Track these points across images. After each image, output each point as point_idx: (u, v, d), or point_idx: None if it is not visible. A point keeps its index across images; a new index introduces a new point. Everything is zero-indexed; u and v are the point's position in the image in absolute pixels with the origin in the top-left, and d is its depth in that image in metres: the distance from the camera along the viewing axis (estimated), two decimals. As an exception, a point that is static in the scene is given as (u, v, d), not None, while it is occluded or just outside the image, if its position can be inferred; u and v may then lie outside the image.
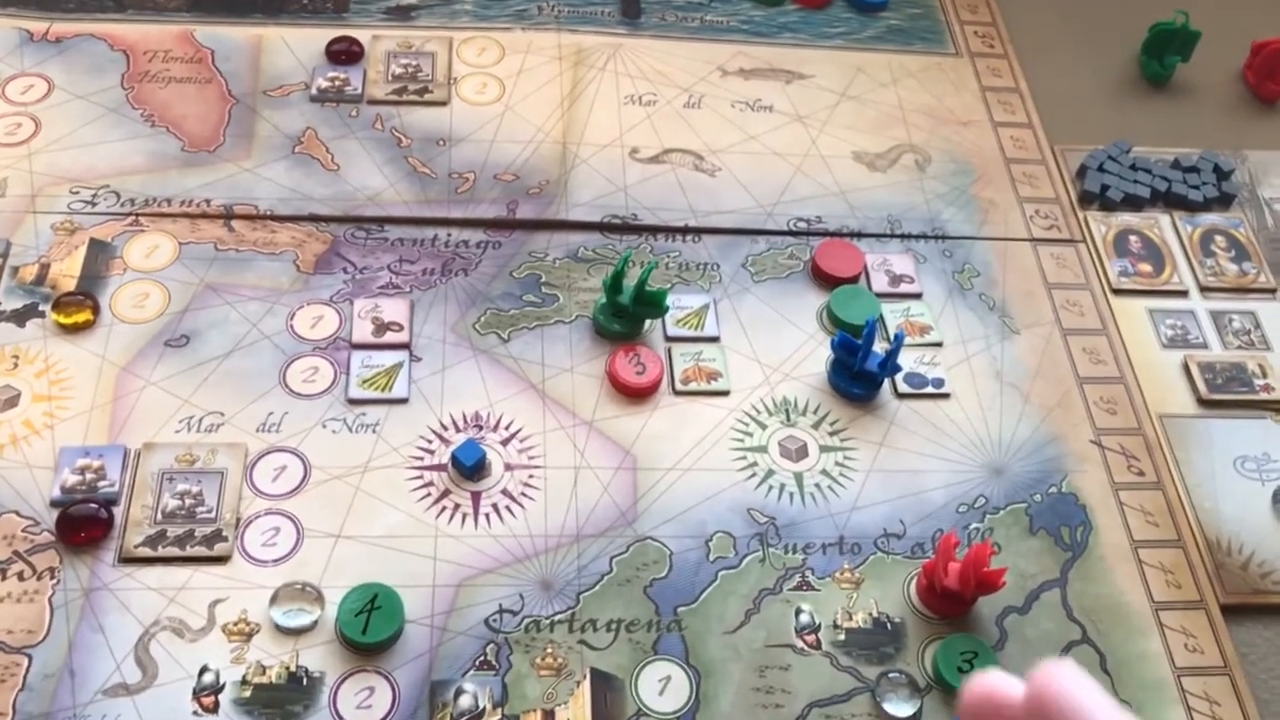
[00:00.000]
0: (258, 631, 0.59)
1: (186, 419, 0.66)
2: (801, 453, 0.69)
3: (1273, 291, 0.80)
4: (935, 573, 0.62)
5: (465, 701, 0.58)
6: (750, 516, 0.66)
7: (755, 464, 0.68)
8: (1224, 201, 0.84)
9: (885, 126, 0.86)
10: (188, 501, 0.63)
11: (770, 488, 0.67)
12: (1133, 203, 0.83)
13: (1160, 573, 0.66)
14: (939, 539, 0.65)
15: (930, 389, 0.72)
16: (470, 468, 0.65)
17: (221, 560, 0.61)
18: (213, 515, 0.63)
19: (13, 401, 0.66)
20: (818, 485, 0.68)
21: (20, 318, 0.69)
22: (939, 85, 0.89)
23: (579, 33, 0.88)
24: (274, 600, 0.60)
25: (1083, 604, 0.65)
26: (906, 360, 0.73)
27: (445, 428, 0.67)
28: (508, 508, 0.65)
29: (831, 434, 0.70)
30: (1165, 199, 0.84)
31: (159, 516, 0.62)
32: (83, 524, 0.61)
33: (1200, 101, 0.92)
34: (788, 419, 0.71)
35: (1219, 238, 0.82)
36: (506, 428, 0.68)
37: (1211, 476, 0.71)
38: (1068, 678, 0.39)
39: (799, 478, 0.68)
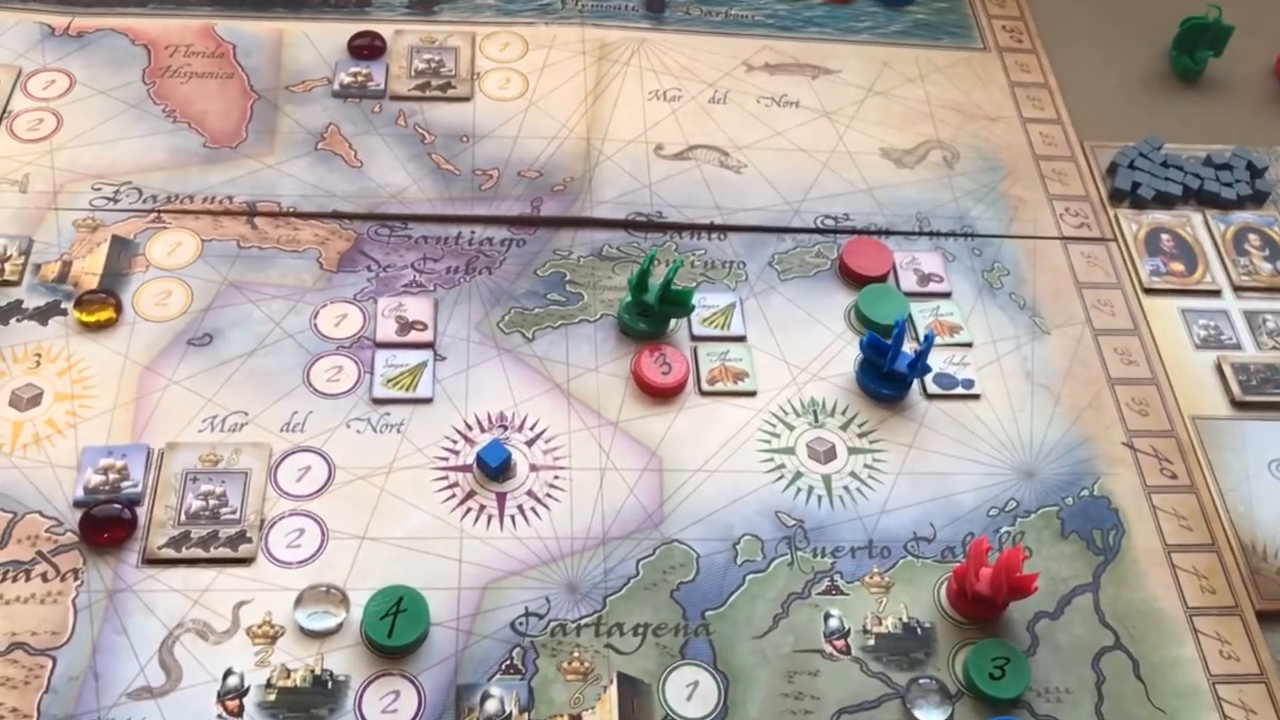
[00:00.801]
0: (282, 634, 0.59)
1: (210, 418, 0.65)
2: (830, 455, 0.68)
3: (1307, 291, 0.79)
4: (966, 577, 0.62)
5: (491, 706, 0.58)
6: (778, 519, 0.65)
7: (783, 466, 0.67)
8: (1257, 199, 0.83)
9: (913, 122, 0.85)
10: (211, 502, 0.62)
11: (798, 490, 0.67)
12: (1164, 200, 0.82)
13: (1194, 577, 0.66)
14: (970, 543, 0.64)
15: (960, 390, 0.72)
16: (495, 469, 0.64)
17: (246, 562, 0.61)
18: (237, 516, 0.62)
19: (35, 400, 0.65)
20: (846, 488, 0.67)
21: (43, 316, 0.68)
22: (967, 81, 0.88)
23: (603, 27, 0.87)
24: (299, 603, 0.59)
25: (1115, 609, 0.64)
26: (936, 360, 0.72)
27: (470, 428, 0.67)
28: (533, 509, 0.64)
29: (860, 435, 0.69)
30: (1197, 197, 0.83)
31: (183, 517, 0.62)
32: (106, 525, 0.61)
33: (1232, 97, 0.91)
34: (816, 420, 0.70)
35: (1253, 236, 0.81)
36: (531, 428, 0.67)
37: (1246, 479, 0.70)
38: None
39: (827, 480, 0.67)
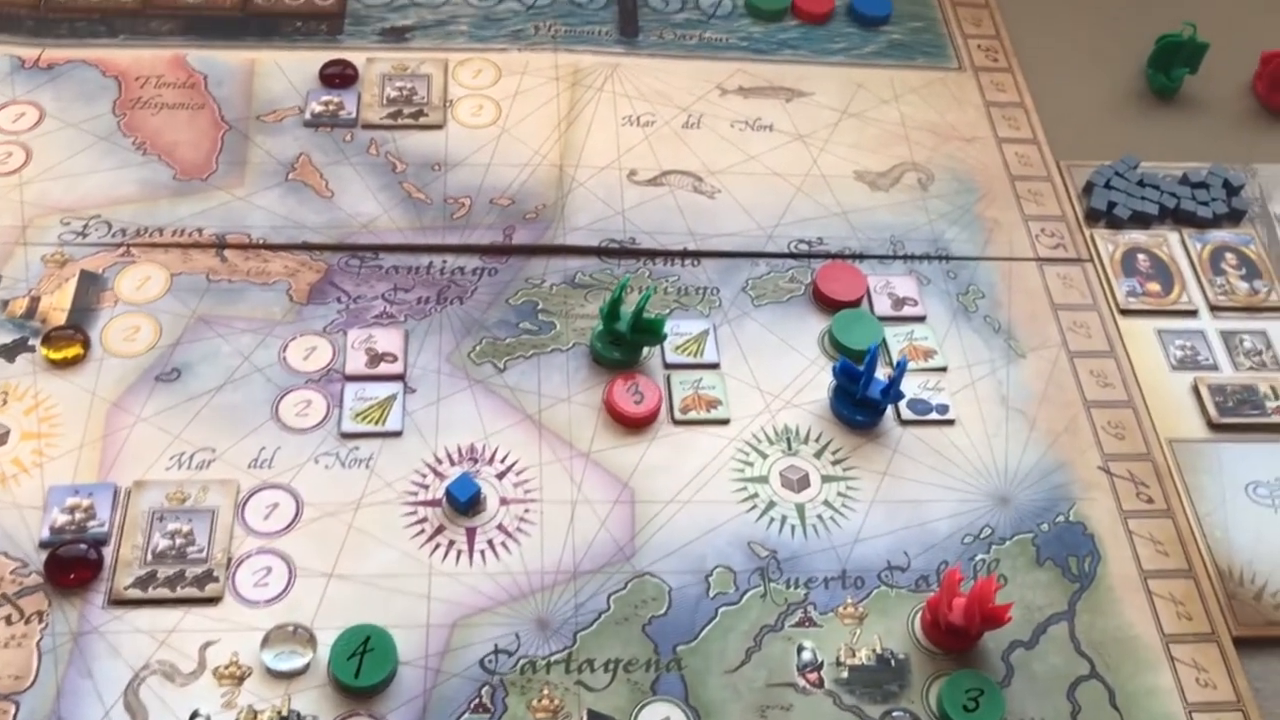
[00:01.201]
0: (249, 675, 0.58)
1: (177, 456, 0.65)
2: (803, 483, 0.68)
3: (1284, 310, 0.79)
4: (940, 608, 0.61)
5: (460, 745, 0.57)
6: (751, 550, 0.65)
7: (756, 495, 0.67)
8: (1234, 218, 0.83)
9: (887, 144, 0.84)
10: (178, 541, 0.62)
11: (771, 520, 0.66)
12: (1140, 220, 0.82)
13: (1171, 604, 0.65)
14: (944, 572, 0.64)
15: (935, 415, 0.71)
16: (465, 503, 0.63)
17: (213, 601, 0.60)
18: (204, 555, 0.62)
19: (2, 439, 0.65)
20: (820, 517, 0.66)
21: (10, 353, 0.68)
22: (942, 101, 0.88)
23: (576, 52, 0.87)
24: (265, 643, 0.59)
25: (1091, 637, 0.63)
26: (910, 385, 0.72)
27: (440, 461, 0.66)
28: (503, 544, 0.64)
29: (834, 463, 0.69)
30: (1174, 216, 0.82)
31: (149, 557, 0.61)
32: (72, 565, 0.60)
33: (1209, 114, 0.90)
34: (789, 448, 0.69)
35: (1229, 255, 0.81)
36: (502, 460, 0.66)
37: (1223, 503, 0.69)
38: None
39: (801, 509, 0.67)
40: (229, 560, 0.62)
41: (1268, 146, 0.89)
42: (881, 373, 0.71)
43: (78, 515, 0.62)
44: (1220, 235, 0.82)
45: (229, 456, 0.65)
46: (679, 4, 0.91)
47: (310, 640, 0.59)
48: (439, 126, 0.81)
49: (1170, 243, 0.81)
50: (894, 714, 0.60)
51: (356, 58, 0.84)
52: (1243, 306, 0.78)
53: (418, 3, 0.88)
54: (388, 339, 0.70)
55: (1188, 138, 0.89)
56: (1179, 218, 0.82)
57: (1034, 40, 0.94)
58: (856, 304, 0.75)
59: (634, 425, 0.69)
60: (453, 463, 0.66)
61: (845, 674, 0.61)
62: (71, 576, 0.60)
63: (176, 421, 0.66)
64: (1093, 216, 0.82)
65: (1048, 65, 0.92)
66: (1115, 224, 0.81)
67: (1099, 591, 0.65)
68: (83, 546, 0.61)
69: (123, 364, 0.68)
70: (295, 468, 0.65)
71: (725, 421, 0.70)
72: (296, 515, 0.64)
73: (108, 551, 0.61)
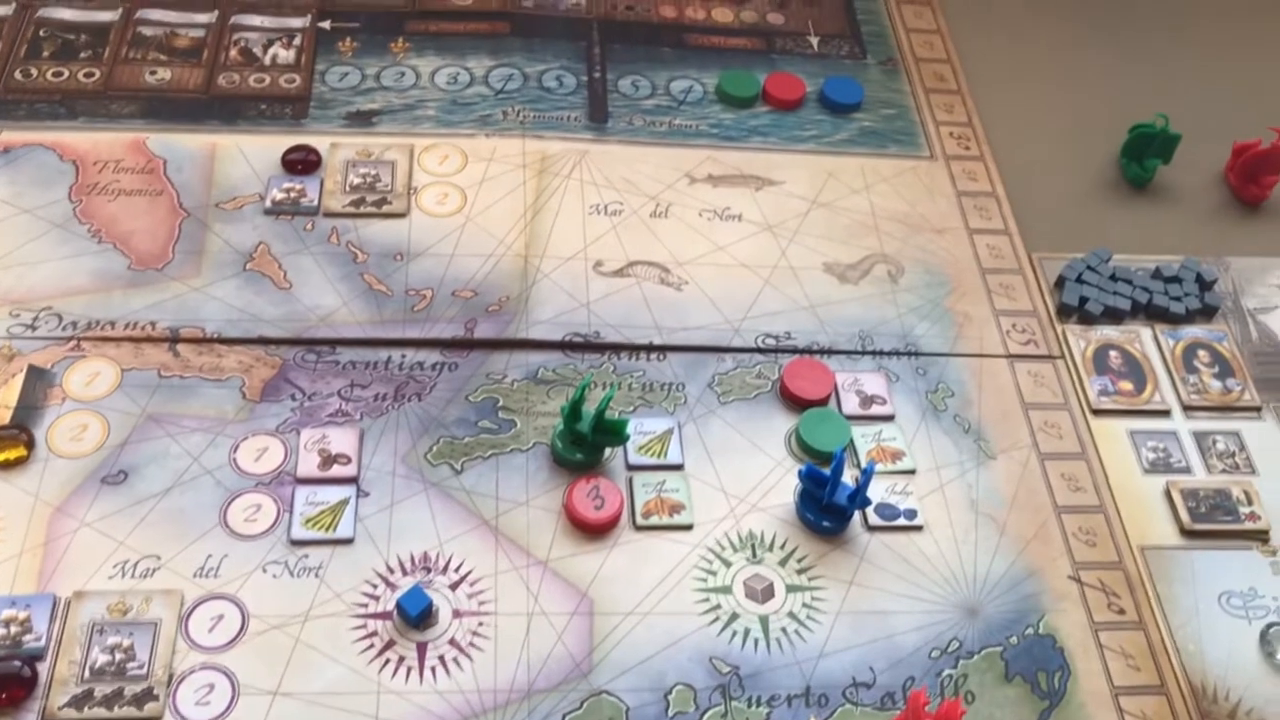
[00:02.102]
0: (186, 802, 0.56)
1: (121, 564, 0.63)
2: (768, 593, 0.66)
3: (1258, 410, 0.77)
4: (905, 731, 0.59)
5: None
6: (713, 666, 0.63)
7: (719, 606, 0.65)
8: (1207, 313, 0.82)
9: (857, 235, 0.83)
10: (118, 656, 0.60)
11: (734, 633, 0.64)
12: (1113, 315, 0.81)
13: (1143, 723, 0.64)
14: (909, 692, 0.62)
15: (903, 521, 0.69)
16: (416, 617, 0.61)
17: (151, 722, 0.58)
18: (144, 671, 0.59)
19: (-62, 546, 0.63)
20: (784, 629, 0.65)
21: (-49, 453, 0.66)
22: (913, 190, 0.87)
23: (544, 139, 0.86)
24: (204, 768, 0.57)
25: (1061, 759, 0.62)
26: (878, 489, 0.70)
27: (392, 570, 0.64)
28: (455, 660, 0.61)
29: (799, 572, 0.67)
30: (1146, 311, 0.81)
31: (86, 674, 0.59)
32: (4, 684, 0.58)
33: (1182, 204, 0.90)
34: (754, 555, 0.68)
35: (1202, 352, 0.80)
36: (456, 570, 0.65)
37: (1196, 615, 0.68)
38: None
39: (764, 621, 0.65)
40: (170, 677, 0.59)
41: (1240, 238, 0.88)
42: (849, 475, 0.70)
43: (13, 629, 0.60)
44: (1193, 331, 0.81)
45: (174, 564, 0.63)
46: (649, 90, 0.91)
47: (251, 765, 0.57)
48: (402, 215, 0.80)
49: (1143, 339, 0.80)
50: (857, 843, 0.58)
51: (320, 142, 0.83)
52: (1216, 406, 0.77)
53: (385, 87, 0.88)
54: (342, 439, 0.69)
55: (1161, 228, 0.88)
56: (1152, 313, 0.81)
57: (1007, 127, 0.93)
58: (824, 402, 0.74)
59: (594, 531, 0.67)
60: (405, 572, 0.64)
61: (807, 800, 0.59)
62: (3, 696, 0.58)
63: (122, 527, 0.64)
64: (1065, 311, 0.81)
65: (1020, 153, 0.91)
66: (1087, 319, 0.80)
67: (1069, 709, 0.63)
68: (17, 663, 0.58)
69: (68, 465, 0.66)
70: (242, 577, 0.63)
71: (688, 527, 0.68)
72: (242, 628, 0.61)
73: (43, 668, 0.59)
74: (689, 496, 0.69)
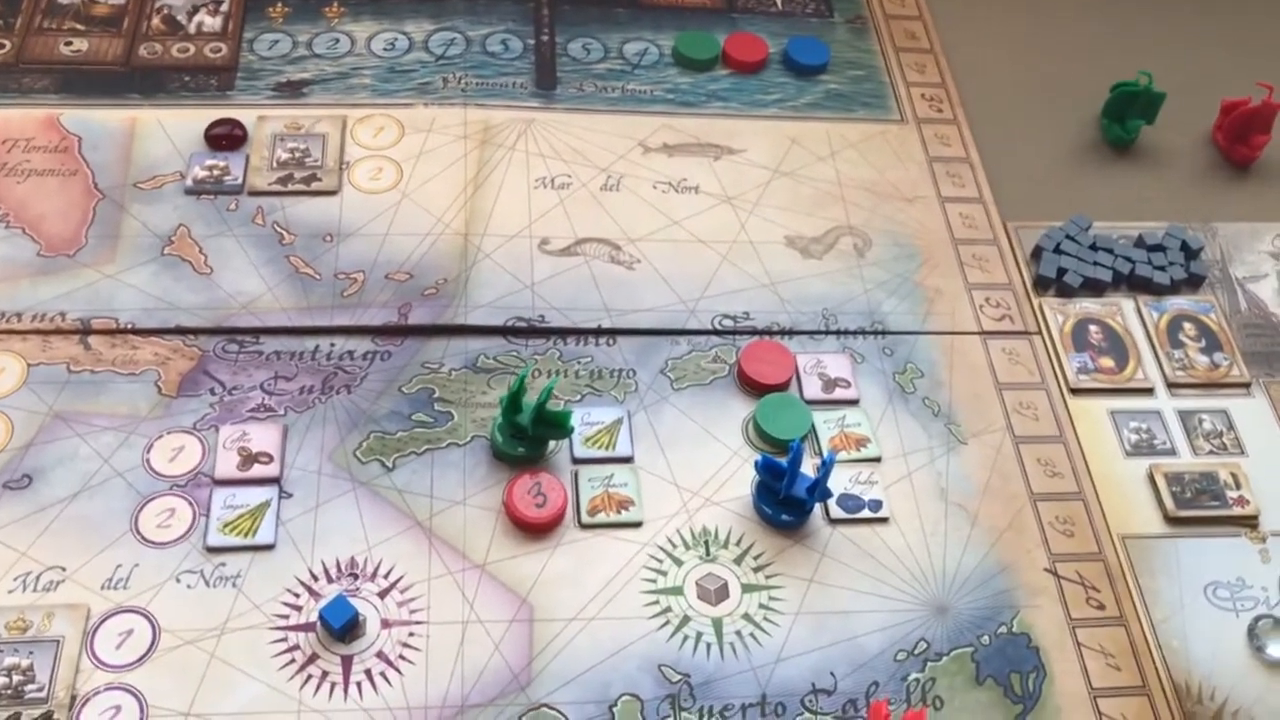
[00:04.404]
0: (86, 837, 0.52)
1: (22, 576, 0.58)
2: (721, 594, 0.62)
3: (1246, 386, 0.73)
4: (866, 743, 0.55)
5: None
6: (662, 674, 0.59)
7: (669, 609, 0.61)
8: (1193, 283, 0.77)
9: (822, 206, 0.78)
10: (15, 679, 0.55)
11: (685, 638, 0.60)
12: (1093, 287, 0.76)
13: (1123, 727, 0.59)
14: (871, 702, 0.57)
15: (867, 513, 0.65)
16: (340, 630, 0.57)
17: (50, 749, 0.54)
18: (44, 694, 0.55)
19: None
20: (739, 633, 0.60)
21: None
22: (882, 156, 0.82)
23: (487, 107, 0.80)
24: (106, 799, 0.53)
25: (1036, 767, 0.58)
26: (841, 479, 0.66)
27: (315, 578, 0.60)
28: (383, 674, 0.57)
29: (756, 570, 0.63)
30: (1128, 282, 0.77)
31: (-20, 698, 0.55)
32: (-110, 711, 0.54)
33: (1166, 167, 0.85)
34: (707, 553, 0.63)
35: (1188, 325, 0.75)
36: (385, 576, 0.60)
37: (1180, 608, 0.63)
38: None
39: (718, 624, 0.60)
40: (73, 699, 0.55)
41: (1228, 201, 0.83)
42: (809, 465, 0.65)
43: (-98, 650, 0.56)
44: (1178, 303, 0.76)
45: (80, 576, 0.58)
46: (601, 53, 0.85)
47: (157, 796, 0.53)
48: (333, 192, 0.75)
49: (1125, 312, 0.75)
50: None
51: (247, 115, 0.77)
52: (1202, 383, 0.72)
53: (317, 54, 0.82)
54: (264, 436, 0.64)
55: (1144, 193, 0.83)
56: (1134, 284, 0.77)
57: (982, 88, 0.88)
58: (784, 386, 0.69)
59: (536, 531, 0.62)
60: (330, 579, 0.60)
61: (761, 819, 0.55)
62: (-111, 724, 0.54)
63: (24, 536, 0.59)
64: (1042, 284, 0.76)
65: (997, 115, 0.86)
66: (1066, 292, 0.76)
67: (1045, 713, 0.59)
68: (-96, 688, 0.54)
69: (-33, 469, 0.62)
70: (154, 588, 0.58)
71: (638, 524, 0.63)
72: (152, 644, 0.57)
73: (-66, 692, 0.55)
74: (638, 491, 0.64)
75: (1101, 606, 0.63)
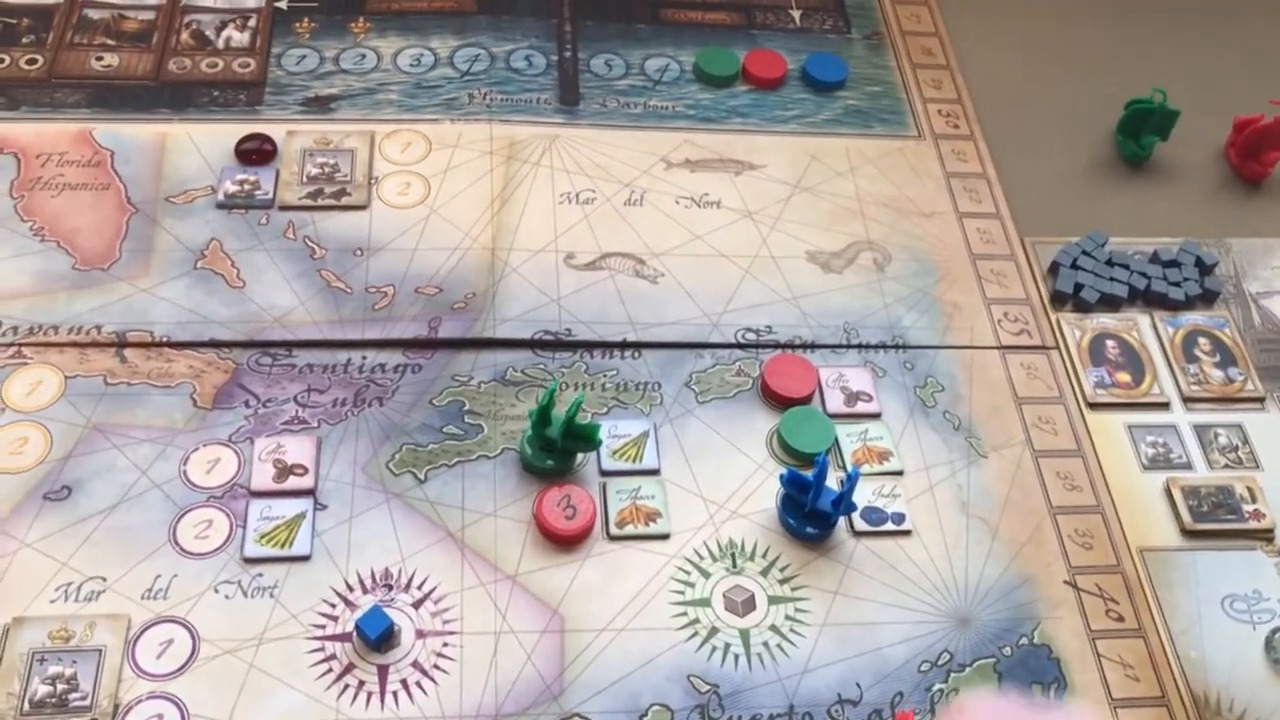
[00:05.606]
0: (131, 844, 0.53)
1: (64, 586, 0.59)
2: (748, 605, 0.63)
3: (1261, 401, 0.74)
4: (893, 753, 0.56)
5: None
6: (691, 684, 0.60)
7: (697, 620, 0.62)
8: (1207, 299, 0.78)
9: (842, 221, 0.79)
10: (59, 687, 0.56)
11: (713, 649, 0.61)
12: (1109, 302, 0.77)
13: (1143, 737, 0.61)
14: (896, 713, 0.59)
15: (890, 525, 0.66)
16: (375, 640, 0.58)
17: (94, 757, 0.55)
18: (87, 703, 0.56)
19: None
20: (766, 644, 0.61)
21: (-117, 470, 0.63)
22: (900, 172, 0.83)
23: (512, 123, 0.81)
24: (150, 806, 0.54)
25: (1058, 777, 0.59)
26: (864, 492, 0.67)
27: (351, 589, 0.61)
28: (418, 683, 0.58)
29: (782, 582, 0.64)
30: (1144, 297, 0.78)
31: (26, 706, 0.55)
32: (-63, 719, 0.55)
33: (1181, 183, 0.86)
34: (734, 565, 0.64)
35: (1203, 340, 0.76)
36: (419, 587, 0.61)
37: (1198, 620, 0.64)
38: None
39: (745, 636, 0.62)
40: (116, 708, 0.56)
41: (1242, 217, 0.85)
42: (834, 478, 0.66)
43: (-52, 659, 0.57)
44: (1193, 318, 0.77)
45: (120, 586, 0.60)
46: (623, 69, 0.86)
47: (200, 803, 0.54)
48: (362, 207, 0.76)
49: (1141, 327, 0.77)
50: None
51: (276, 130, 0.78)
52: (1217, 397, 0.74)
53: (344, 70, 0.83)
54: (298, 448, 0.65)
55: (1159, 208, 0.84)
56: (1150, 300, 0.78)
57: (997, 104, 0.89)
58: (807, 400, 0.71)
59: (566, 543, 0.63)
60: (365, 590, 0.61)
61: (790, 827, 0.56)
62: (-63, 732, 0.55)
63: (65, 547, 0.61)
64: (1059, 299, 0.77)
65: (1012, 131, 0.87)
66: (1082, 307, 0.77)
67: (1066, 723, 0.61)
68: (-49, 697, 0.55)
69: (8, 481, 0.62)
70: (193, 598, 0.60)
71: (665, 536, 0.64)
72: (192, 654, 0.58)
73: (-20, 700, 0.56)
74: (665, 504, 0.66)
75: (1121, 618, 0.64)
